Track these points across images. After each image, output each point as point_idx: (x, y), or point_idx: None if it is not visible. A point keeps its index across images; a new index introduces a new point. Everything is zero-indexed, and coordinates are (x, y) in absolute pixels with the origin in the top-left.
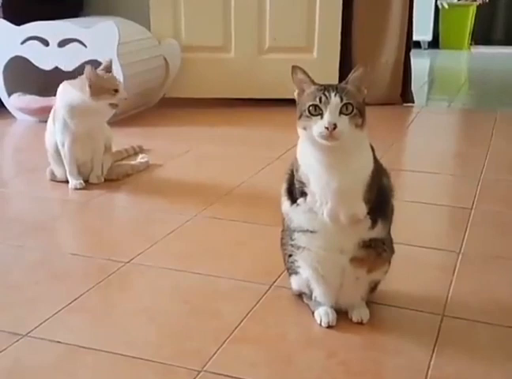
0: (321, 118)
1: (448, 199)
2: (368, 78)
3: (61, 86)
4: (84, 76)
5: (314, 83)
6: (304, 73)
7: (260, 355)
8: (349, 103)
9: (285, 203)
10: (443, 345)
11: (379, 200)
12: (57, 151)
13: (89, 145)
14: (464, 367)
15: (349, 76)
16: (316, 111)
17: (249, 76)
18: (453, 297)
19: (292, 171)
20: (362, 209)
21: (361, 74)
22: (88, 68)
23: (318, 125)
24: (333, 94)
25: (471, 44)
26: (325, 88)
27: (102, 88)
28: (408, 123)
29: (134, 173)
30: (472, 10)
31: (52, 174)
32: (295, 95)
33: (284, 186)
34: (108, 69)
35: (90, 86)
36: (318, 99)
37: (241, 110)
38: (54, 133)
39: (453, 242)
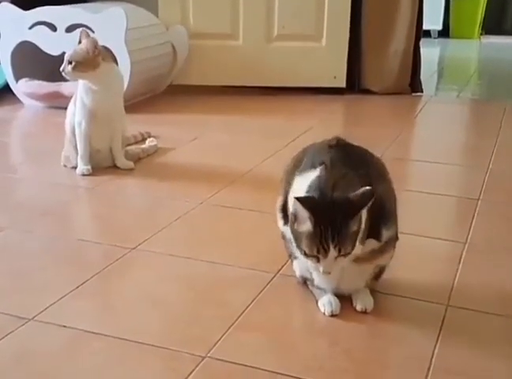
0: (317, 261)
1: (455, 189)
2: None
3: None
4: None
5: (311, 218)
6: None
7: (264, 343)
8: (347, 253)
9: (280, 221)
10: (447, 335)
11: (380, 212)
12: (74, 135)
13: (108, 130)
14: (468, 357)
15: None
16: (312, 255)
17: (257, 64)
18: (459, 287)
19: (287, 188)
20: (358, 248)
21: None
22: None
23: (314, 266)
24: (332, 245)
25: (481, 34)
26: (323, 236)
27: None
28: (417, 113)
29: (145, 156)
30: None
31: (67, 159)
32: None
33: (278, 202)
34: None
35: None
36: (315, 251)
37: (248, 97)
38: (74, 114)
39: (459, 232)
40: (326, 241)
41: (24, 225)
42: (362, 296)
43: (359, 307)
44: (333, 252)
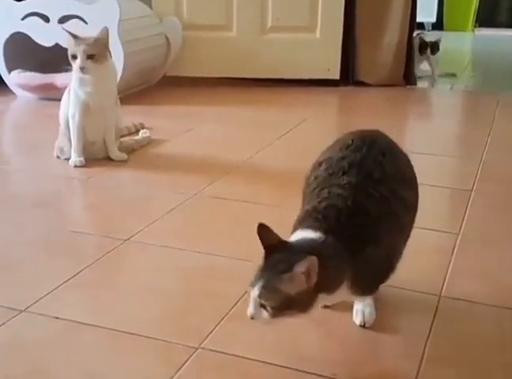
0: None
1: (448, 180)
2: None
3: None
4: None
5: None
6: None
7: (256, 334)
8: (267, 303)
9: None
10: (440, 325)
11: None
12: (67, 126)
13: (102, 122)
14: (461, 347)
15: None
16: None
17: (251, 56)
18: (451, 278)
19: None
20: None
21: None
22: None
23: None
24: (256, 286)
25: (475, 26)
26: (256, 275)
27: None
28: (411, 105)
29: (138, 148)
30: None
31: (61, 150)
32: None
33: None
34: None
35: None
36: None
37: (242, 89)
38: (68, 105)
39: (452, 224)
40: (256, 275)
41: (16, 216)
42: (362, 308)
43: (357, 321)
44: (255, 289)
